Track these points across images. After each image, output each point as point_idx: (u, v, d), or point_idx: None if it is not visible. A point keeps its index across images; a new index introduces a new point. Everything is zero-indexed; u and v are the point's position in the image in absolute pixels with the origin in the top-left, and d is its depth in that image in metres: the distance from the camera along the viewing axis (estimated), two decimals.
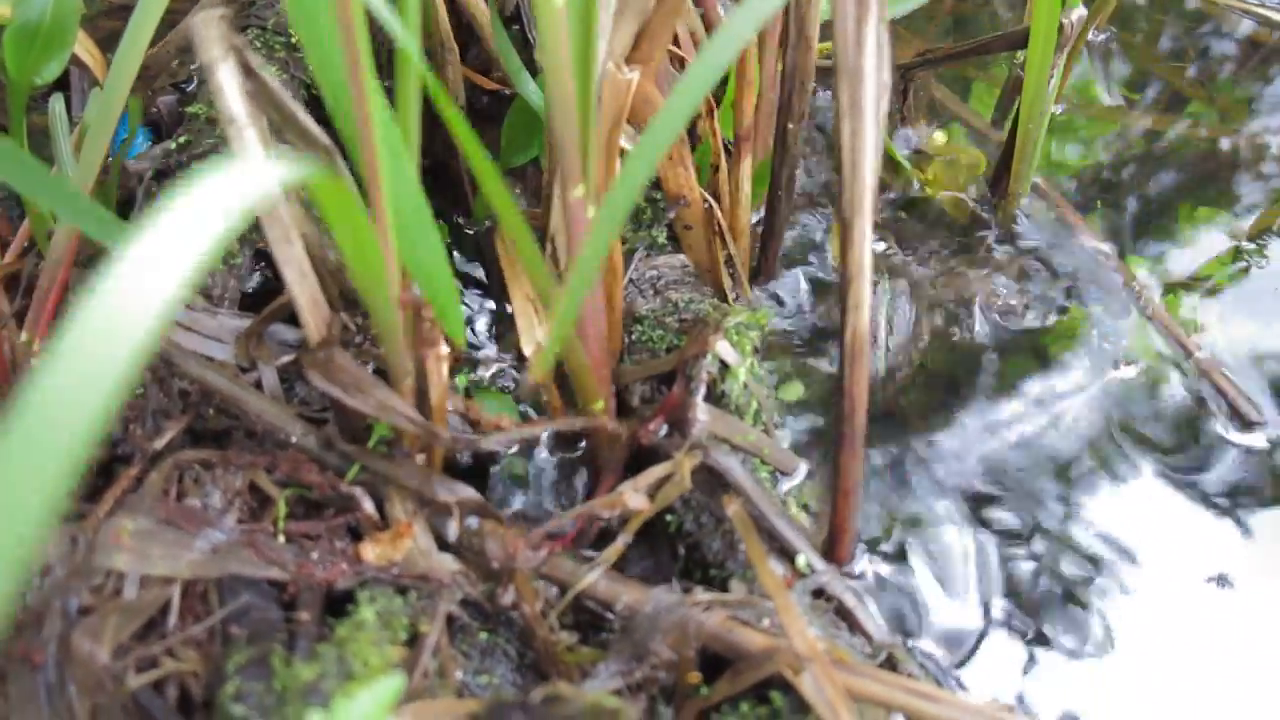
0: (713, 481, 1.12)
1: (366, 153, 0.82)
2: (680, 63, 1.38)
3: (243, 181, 0.50)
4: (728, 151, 1.38)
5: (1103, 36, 1.87)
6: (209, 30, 0.92)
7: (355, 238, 0.82)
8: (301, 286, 1.03)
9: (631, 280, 1.35)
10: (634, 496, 1.08)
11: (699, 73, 0.89)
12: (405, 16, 0.86)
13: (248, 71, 1.00)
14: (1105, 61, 1.86)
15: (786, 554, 1.09)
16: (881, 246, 1.55)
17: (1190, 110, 1.80)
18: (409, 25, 0.86)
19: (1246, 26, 1.95)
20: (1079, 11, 1.32)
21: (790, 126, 1.32)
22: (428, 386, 1.11)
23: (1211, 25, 1.95)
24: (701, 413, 1.15)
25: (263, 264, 1.45)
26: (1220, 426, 1.36)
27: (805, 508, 1.24)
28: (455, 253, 1.58)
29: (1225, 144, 1.74)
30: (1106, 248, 1.57)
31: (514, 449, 1.29)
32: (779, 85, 1.31)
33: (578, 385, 1.08)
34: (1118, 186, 1.67)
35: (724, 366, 1.20)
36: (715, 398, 1.18)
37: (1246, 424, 1.36)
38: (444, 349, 1.08)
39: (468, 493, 1.10)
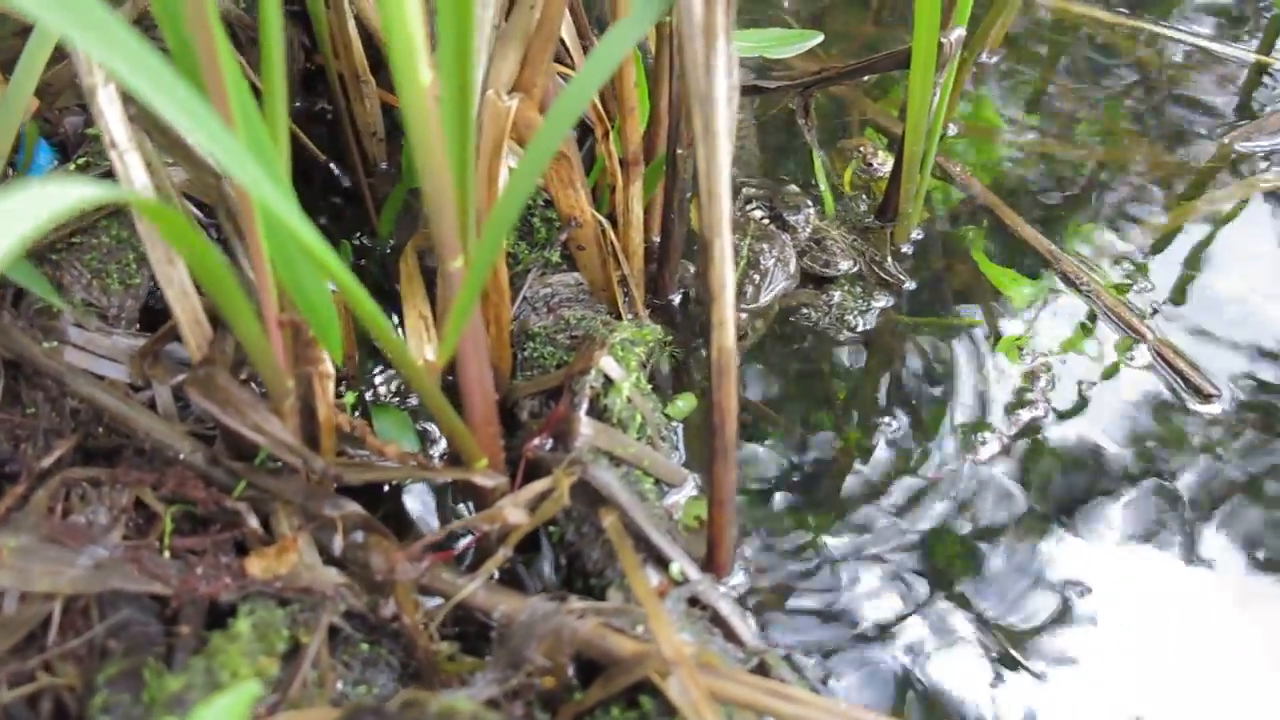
0: (593, 494, 1.16)
1: (234, 173, 0.85)
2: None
3: (33, 202, 0.54)
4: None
5: (996, 59, 1.95)
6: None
7: (198, 260, 0.85)
8: (183, 305, 1.06)
9: (525, 298, 1.39)
10: (513, 511, 1.12)
11: (566, 105, 0.94)
12: (267, 37, 0.89)
13: (129, 96, 1.04)
14: (1000, 83, 1.94)
15: (663, 563, 1.14)
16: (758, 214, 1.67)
17: (1081, 130, 1.88)
18: (270, 44, 0.90)
19: (1139, 50, 2.04)
20: (958, 32, 1.38)
21: (680, 152, 1.37)
22: (314, 405, 1.15)
23: (1107, 48, 2.04)
24: (584, 427, 1.20)
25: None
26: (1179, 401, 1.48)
27: (698, 519, 1.29)
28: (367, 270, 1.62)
29: (1115, 164, 1.82)
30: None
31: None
32: (668, 112, 1.36)
33: (459, 446, 1.12)
34: (1011, 204, 1.74)
35: (608, 381, 1.24)
36: (598, 412, 1.23)
37: (1205, 397, 1.47)
38: (328, 368, 1.12)
39: (352, 508, 1.13)
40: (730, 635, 1.12)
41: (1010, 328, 1.57)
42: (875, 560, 1.31)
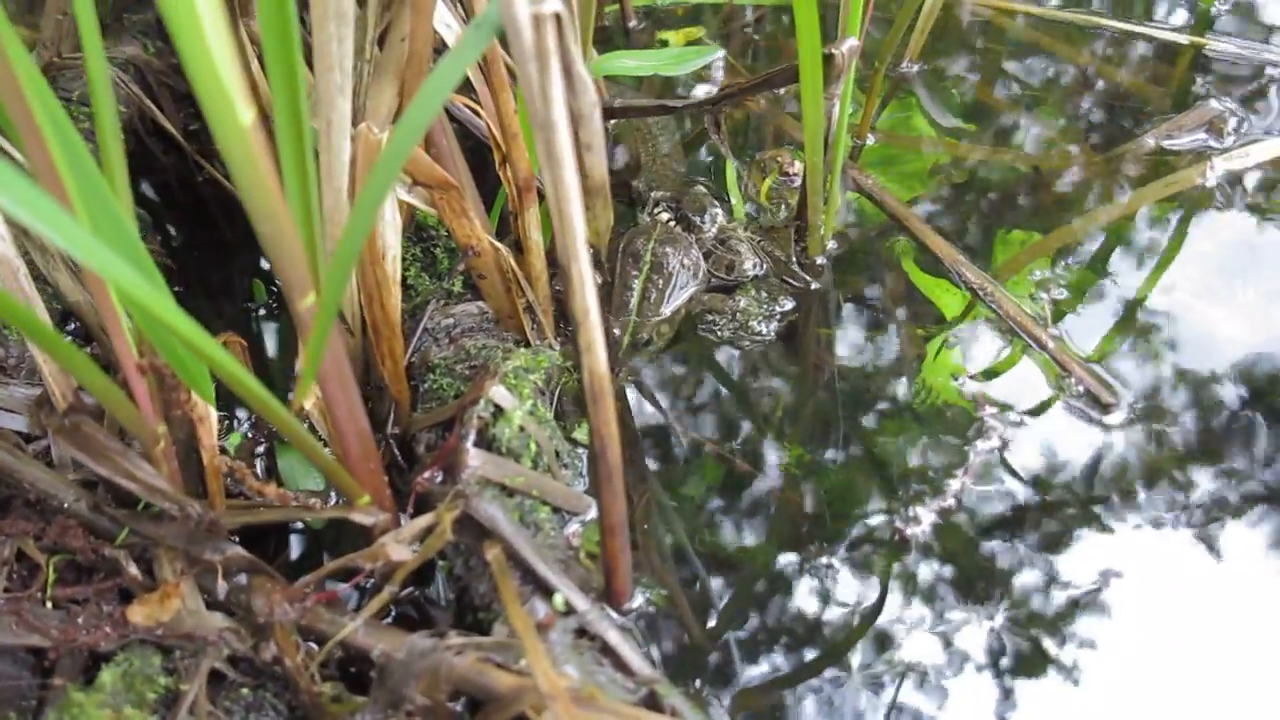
0: (478, 527, 1.15)
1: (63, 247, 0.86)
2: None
3: None
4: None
5: (919, 67, 1.94)
6: None
7: (12, 316, 0.85)
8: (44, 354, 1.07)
9: (426, 329, 1.39)
10: (395, 549, 1.11)
11: (398, 143, 0.94)
12: (98, 101, 0.90)
13: None
14: (929, 92, 1.93)
15: (550, 594, 1.13)
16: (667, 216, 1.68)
17: (1011, 134, 1.87)
18: (102, 109, 0.90)
19: (1071, 47, 2.02)
20: (850, 42, 1.38)
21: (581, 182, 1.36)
22: (199, 449, 1.15)
23: (1039, 48, 2.03)
24: (472, 458, 1.19)
25: (74, 324, 1.48)
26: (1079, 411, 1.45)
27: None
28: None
29: (1044, 168, 1.81)
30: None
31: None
32: None
33: (338, 484, 1.11)
34: (936, 214, 1.73)
35: (499, 411, 1.24)
36: (487, 442, 1.22)
37: (1104, 406, 1.45)
38: (203, 410, 1.12)
39: (234, 550, 1.13)
40: (620, 665, 1.11)
41: (938, 342, 1.55)
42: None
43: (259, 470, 1.41)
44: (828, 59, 1.36)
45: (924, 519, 1.34)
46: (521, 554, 1.13)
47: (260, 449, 1.41)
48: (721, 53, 1.49)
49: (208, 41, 0.79)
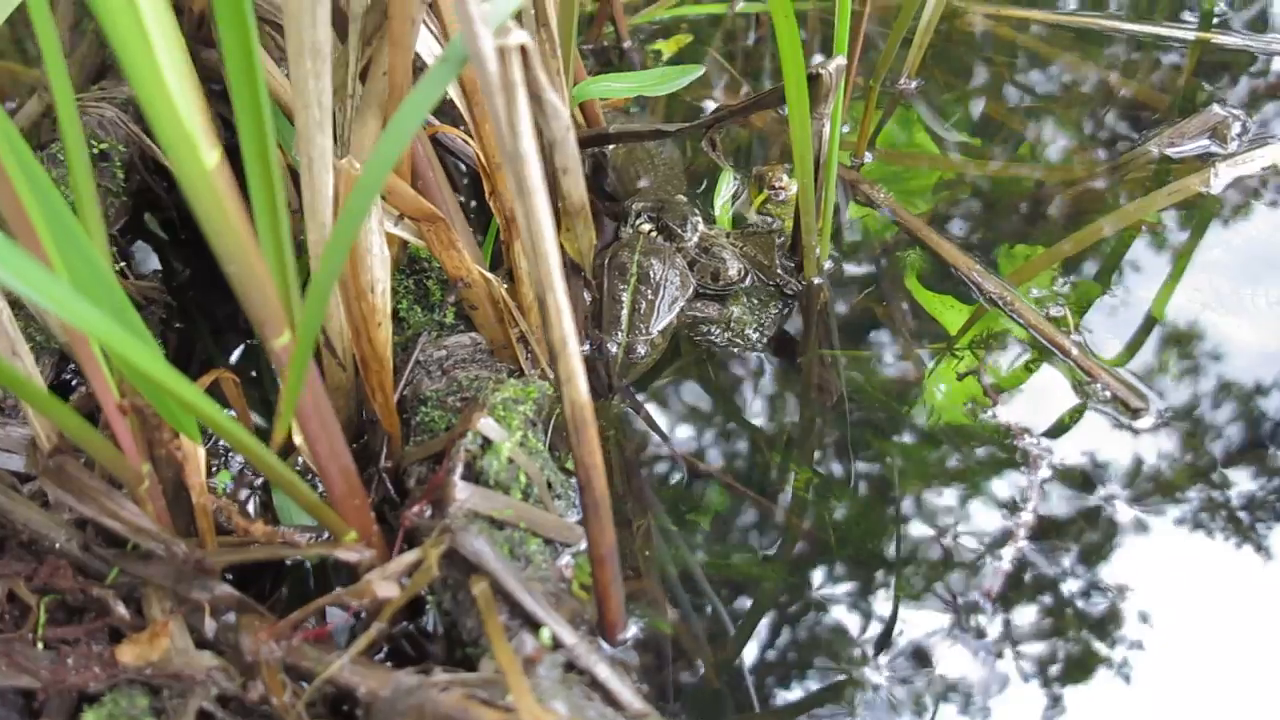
0: (465, 561, 1.15)
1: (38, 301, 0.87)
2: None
3: None
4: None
5: (915, 83, 1.93)
6: None
7: None
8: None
9: (419, 362, 1.40)
10: (382, 585, 1.11)
11: (367, 180, 0.94)
12: (70, 150, 0.91)
13: None
14: (928, 107, 1.92)
15: (539, 629, 1.12)
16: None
17: (1015, 147, 1.85)
18: (75, 159, 0.92)
19: (1077, 56, 2.01)
20: (838, 61, 1.37)
21: (559, 205, 1.37)
22: (186, 487, 1.16)
23: (1044, 57, 2.02)
24: (459, 491, 1.19)
25: (67, 365, 1.50)
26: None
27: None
28: None
29: (1050, 180, 1.79)
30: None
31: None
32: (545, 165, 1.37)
33: (322, 520, 1.12)
34: (940, 228, 1.71)
35: (486, 443, 1.24)
36: (475, 475, 1.22)
37: (1132, 411, 1.44)
38: (189, 449, 1.13)
39: (223, 589, 1.14)
40: (610, 699, 1.10)
41: (953, 364, 1.54)
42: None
43: (256, 506, 1.42)
44: (814, 79, 1.36)
45: (996, 572, 1.31)
46: (508, 588, 1.13)
47: (258, 483, 1.42)
48: (702, 70, 1.50)
49: (166, 84, 0.80)
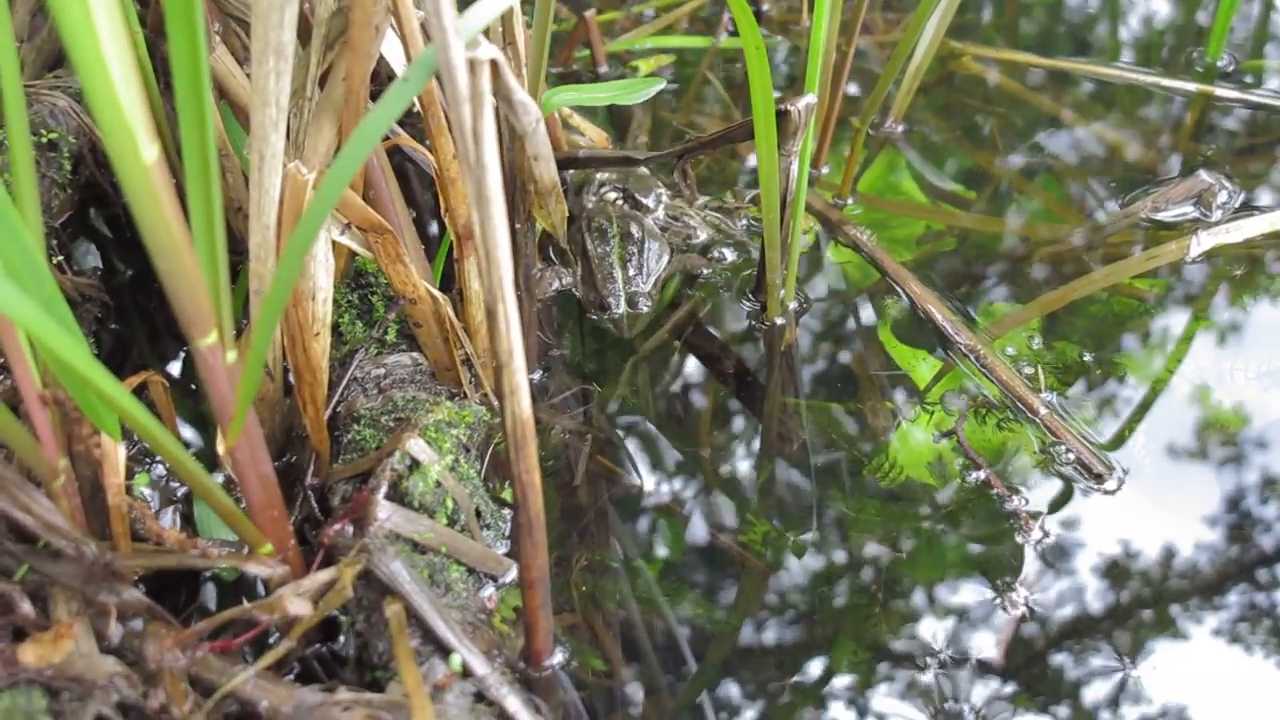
0: (381, 583, 1.23)
1: None
2: None
3: None
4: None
5: (901, 128, 2.04)
6: None
7: None
8: None
9: (355, 379, 1.48)
10: (294, 602, 1.19)
11: (326, 191, 1.03)
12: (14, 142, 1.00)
13: None
14: (914, 153, 2.03)
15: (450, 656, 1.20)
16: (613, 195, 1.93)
17: (1001, 200, 1.96)
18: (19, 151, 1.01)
19: (1072, 110, 2.12)
20: (808, 99, 1.47)
21: (518, 226, 1.46)
22: (103, 487, 1.24)
23: (1037, 109, 2.13)
24: (381, 511, 1.27)
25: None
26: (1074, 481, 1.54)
27: (516, 610, 1.35)
28: None
29: (1033, 237, 1.89)
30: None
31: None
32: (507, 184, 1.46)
33: (237, 529, 1.20)
34: (921, 278, 1.81)
35: (414, 464, 1.32)
36: (400, 496, 1.30)
37: (1095, 476, 1.53)
38: (108, 447, 1.21)
39: (132, 594, 1.21)
40: None
41: (925, 418, 1.63)
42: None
43: (178, 519, 1.49)
44: (782, 115, 1.46)
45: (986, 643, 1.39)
46: (421, 612, 1.20)
47: (180, 493, 1.50)
48: (663, 83, 1.62)
49: (109, 73, 0.89)
